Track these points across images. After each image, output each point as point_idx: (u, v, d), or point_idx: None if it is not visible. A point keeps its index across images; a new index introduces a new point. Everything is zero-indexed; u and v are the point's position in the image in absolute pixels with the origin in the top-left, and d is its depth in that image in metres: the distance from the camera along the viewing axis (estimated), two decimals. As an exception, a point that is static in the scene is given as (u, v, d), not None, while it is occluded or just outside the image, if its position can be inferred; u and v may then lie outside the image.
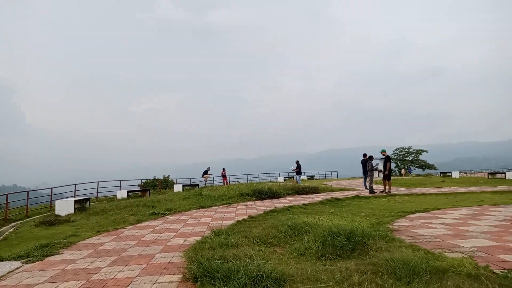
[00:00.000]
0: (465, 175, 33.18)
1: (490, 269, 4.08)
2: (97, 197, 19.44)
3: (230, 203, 12.71)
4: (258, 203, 12.67)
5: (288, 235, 6.82)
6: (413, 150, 63.83)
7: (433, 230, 6.95)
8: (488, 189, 16.06)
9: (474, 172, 40.22)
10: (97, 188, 19.67)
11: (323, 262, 5.04)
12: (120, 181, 21.06)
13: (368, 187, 15.64)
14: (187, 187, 22.18)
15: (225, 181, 29.96)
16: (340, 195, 14.20)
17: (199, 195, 14.63)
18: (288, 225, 7.37)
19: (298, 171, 20.02)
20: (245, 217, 9.25)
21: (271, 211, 10.20)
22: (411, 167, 58.01)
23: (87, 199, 13.77)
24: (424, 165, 60.35)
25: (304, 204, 11.48)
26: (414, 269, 4.13)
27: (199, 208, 11.74)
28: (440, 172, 33.68)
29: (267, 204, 12.18)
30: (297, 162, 20.40)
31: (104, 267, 5.29)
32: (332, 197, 12.96)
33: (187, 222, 9.17)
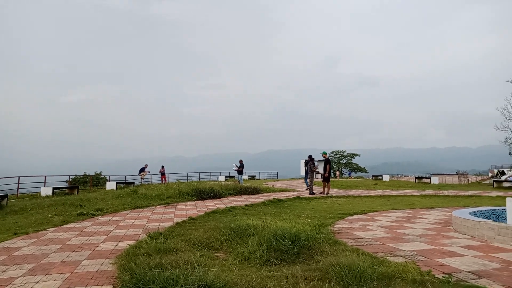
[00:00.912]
0: (394, 178, 35.58)
1: (433, 274, 4.12)
2: (17, 193, 17.44)
3: (169, 203, 12.06)
4: (199, 203, 12.19)
5: (231, 238, 6.50)
6: (347, 153, 67.61)
7: (372, 233, 7.08)
8: (417, 192, 17.22)
9: (401, 176, 43.34)
10: (18, 183, 17.66)
11: (268, 268, 4.79)
12: (45, 176, 19.14)
13: (309, 188, 15.89)
14: (121, 185, 20.84)
15: (163, 179, 28.83)
16: (281, 196, 14.22)
17: (134, 194, 13.71)
18: (231, 227, 7.04)
19: (240, 170, 19.80)
20: (185, 218, 8.74)
21: (213, 212, 9.80)
22: (351, 170, 61.47)
23: (5, 196, 12.19)
24: (356, 168, 64.23)
25: (246, 205, 11.24)
26: (360, 275, 4.04)
27: (134, 208, 10.93)
28: (372, 175, 35.76)
29: (208, 204, 11.75)
30: (241, 161, 20.18)
31: (19, 277, 4.48)
32: (274, 198, 12.90)
33: (120, 224, 8.41)
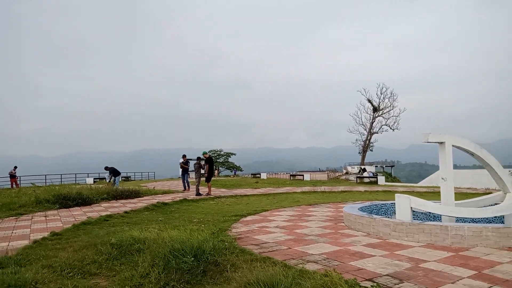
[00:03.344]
0: (270, 176, 37.35)
1: (358, 282, 3.77)
2: None
3: (22, 214, 9.60)
4: (64, 212, 10.04)
5: (112, 257, 5.18)
6: (224, 152, 69.15)
7: (273, 235, 6.65)
8: (298, 189, 18.00)
9: (276, 174, 45.97)
10: None
11: (169, 295, 3.78)
12: None
13: (195, 185, 14.89)
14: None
15: (14, 183, 23.93)
16: (166, 198, 12.94)
17: (-30, 204, 10.57)
18: (111, 243, 5.68)
19: (116, 171, 17.57)
20: (47, 234, 6.85)
21: (83, 223, 8.02)
22: (235, 169, 62.95)
23: None
24: (232, 167, 66.21)
25: (126, 212, 9.68)
26: (286, 294, 3.43)
27: (-31, 224, 8.26)
28: (251, 174, 36.82)
29: (76, 213, 9.75)
30: (108, 168, 17.80)
31: None
32: (158, 202, 11.55)
33: None
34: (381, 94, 46.56)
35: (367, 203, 9.12)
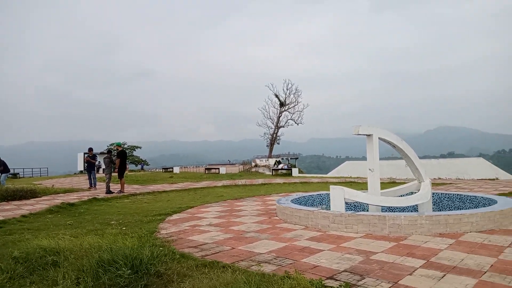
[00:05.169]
0: (184, 170, 36.17)
1: (324, 283, 3.55)
2: None
3: None
4: None
5: (18, 275, 4.12)
6: (128, 146, 65.10)
7: (209, 234, 6.15)
8: (218, 183, 17.55)
9: (186, 167, 44.77)
10: None
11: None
12: None
13: (105, 186, 13.37)
14: None
15: None
16: (71, 198, 11.32)
17: None
18: (14, 256, 4.58)
19: (6, 166, 14.88)
20: None
21: (-33, 233, 6.42)
22: (143, 163, 59.48)
23: None
24: (138, 161, 62.89)
25: (24, 216, 8.10)
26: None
27: None
28: (163, 168, 35.14)
29: (-47, 221, 7.82)
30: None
31: None
32: (63, 202, 9.99)
33: None
34: (287, 89, 48.92)
35: (296, 195, 9.16)
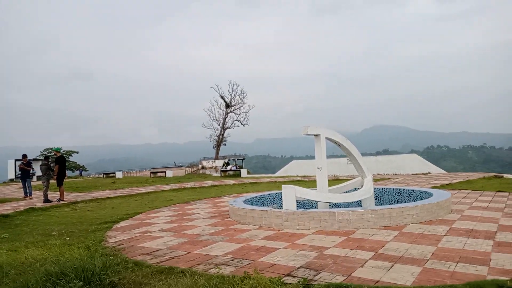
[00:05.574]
0: (127, 174, 34.67)
1: (282, 280, 3.64)
2: None
3: None
4: None
5: None
6: (64, 151, 61.18)
7: (162, 240, 6.00)
8: (166, 187, 17.07)
9: (129, 172, 43.04)
10: None
11: None
12: None
13: (43, 194, 12.38)
14: None
15: None
16: (3, 209, 10.36)
17: None
18: None
19: None
20: None
21: None
22: (81, 169, 56.01)
23: None
24: (75, 167, 59.42)
25: None
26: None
27: None
28: (104, 173, 33.38)
29: None
30: None
31: None
32: (-7, 215, 9.11)
33: None
34: (232, 91, 49.18)
35: (247, 196, 9.25)
